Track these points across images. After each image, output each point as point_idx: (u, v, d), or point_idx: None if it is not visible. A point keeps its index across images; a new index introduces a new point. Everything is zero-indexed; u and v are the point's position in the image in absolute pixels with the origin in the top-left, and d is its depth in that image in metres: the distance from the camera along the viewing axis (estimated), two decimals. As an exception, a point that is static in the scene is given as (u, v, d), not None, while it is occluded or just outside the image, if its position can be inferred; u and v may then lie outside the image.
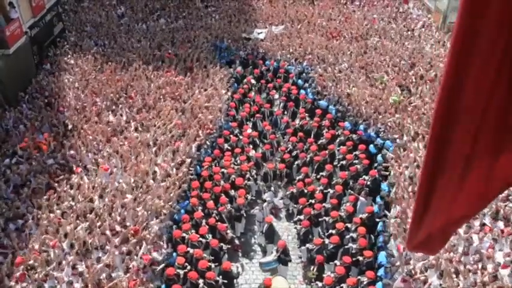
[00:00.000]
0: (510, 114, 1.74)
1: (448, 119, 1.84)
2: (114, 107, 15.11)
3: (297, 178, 13.40)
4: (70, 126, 14.01)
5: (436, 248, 2.65)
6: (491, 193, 2.03)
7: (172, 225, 11.16)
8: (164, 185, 11.71)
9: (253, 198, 13.35)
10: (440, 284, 9.07)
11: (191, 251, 10.52)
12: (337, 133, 14.93)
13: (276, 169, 13.93)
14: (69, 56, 18.20)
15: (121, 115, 14.71)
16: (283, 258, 11.17)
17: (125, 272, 9.52)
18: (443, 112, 1.84)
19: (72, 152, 12.83)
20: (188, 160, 12.74)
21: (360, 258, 10.49)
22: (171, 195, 11.51)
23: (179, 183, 11.92)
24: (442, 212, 2.14)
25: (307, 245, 11.38)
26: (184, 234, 10.91)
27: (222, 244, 11.08)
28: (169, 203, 11.29)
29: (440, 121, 1.87)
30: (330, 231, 11.43)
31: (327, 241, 11.15)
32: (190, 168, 12.70)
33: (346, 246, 10.96)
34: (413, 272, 9.42)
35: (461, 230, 9.97)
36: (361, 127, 14.56)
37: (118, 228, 10.42)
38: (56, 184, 11.66)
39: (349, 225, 11.43)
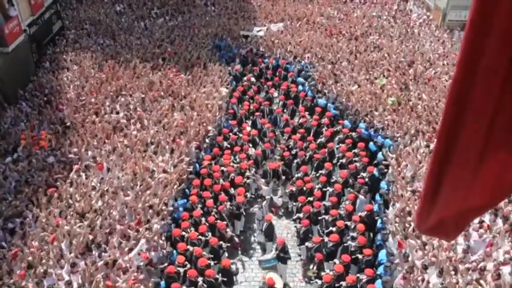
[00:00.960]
0: None
1: (457, 117, 1.86)
2: (113, 105, 15.08)
3: (296, 176, 13.40)
4: (69, 124, 13.96)
5: (450, 234, 2.67)
6: (503, 191, 2.05)
7: (171, 224, 11.16)
8: (162, 182, 11.69)
9: (253, 196, 13.35)
10: (442, 283, 9.06)
11: (191, 249, 10.52)
12: (336, 129, 14.91)
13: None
14: (68, 53, 18.16)
15: (117, 113, 14.68)
16: (283, 256, 11.17)
17: (123, 272, 9.50)
18: (452, 110, 1.86)
19: (74, 149, 12.82)
20: (187, 158, 12.73)
21: (359, 256, 10.50)
22: (168, 192, 11.50)
23: (179, 182, 11.91)
24: (455, 199, 2.16)
25: (307, 244, 11.39)
26: (183, 233, 10.91)
27: (221, 242, 11.09)
28: (165, 200, 11.26)
29: (449, 119, 1.89)
30: (330, 229, 11.43)
31: (326, 239, 11.16)
32: (189, 167, 12.69)
33: (345, 244, 10.96)
34: (413, 268, 9.41)
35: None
36: (361, 125, 14.56)
37: (118, 226, 10.41)
38: (57, 182, 11.62)
39: (348, 223, 11.44)
